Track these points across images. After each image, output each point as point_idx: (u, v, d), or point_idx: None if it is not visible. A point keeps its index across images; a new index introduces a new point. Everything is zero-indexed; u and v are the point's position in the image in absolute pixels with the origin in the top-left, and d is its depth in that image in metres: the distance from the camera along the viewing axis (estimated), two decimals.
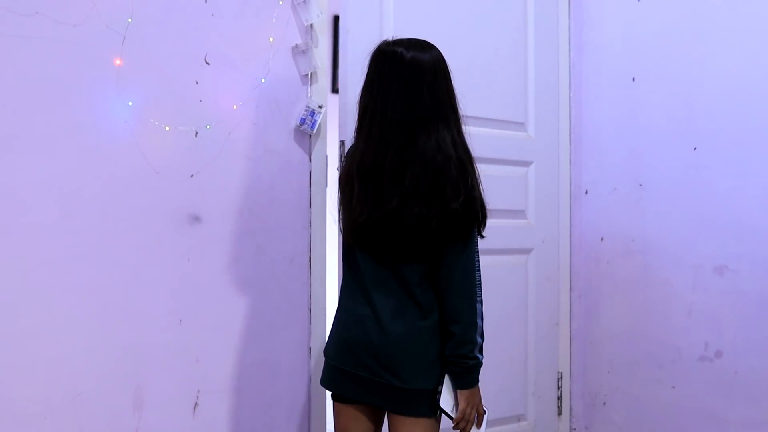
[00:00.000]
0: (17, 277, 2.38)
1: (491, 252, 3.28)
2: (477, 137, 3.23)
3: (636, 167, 3.28)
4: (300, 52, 2.82)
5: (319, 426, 2.86)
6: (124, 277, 2.53)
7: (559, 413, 3.48)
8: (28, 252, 2.40)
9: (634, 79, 3.30)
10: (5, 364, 2.37)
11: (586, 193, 3.48)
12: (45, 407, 2.42)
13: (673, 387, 3.11)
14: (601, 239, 3.40)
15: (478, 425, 2.27)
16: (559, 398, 3.48)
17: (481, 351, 2.21)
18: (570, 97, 3.54)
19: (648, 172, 3.23)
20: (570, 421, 3.50)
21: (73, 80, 2.47)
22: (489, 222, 3.21)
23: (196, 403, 2.65)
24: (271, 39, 2.77)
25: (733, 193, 2.95)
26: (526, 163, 3.42)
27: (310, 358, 2.84)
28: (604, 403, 3.38)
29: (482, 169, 3.19)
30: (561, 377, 3.49)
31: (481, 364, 2.21)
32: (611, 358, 3.36)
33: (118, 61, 2.53)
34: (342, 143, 2.87)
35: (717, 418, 2.98)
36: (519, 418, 3.38)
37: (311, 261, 2.84)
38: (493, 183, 3.22)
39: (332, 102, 2.94)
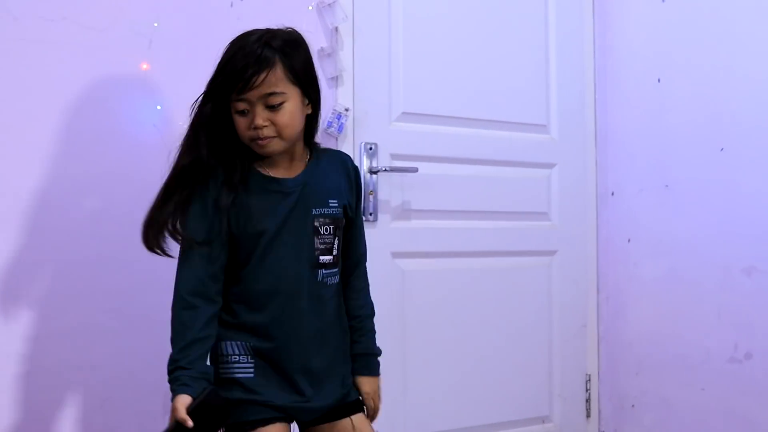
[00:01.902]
0: (48, 281, 2.40)
1: (513, 254, 3.28)
2: (497, 140, 3.25)
3: (662, 168, 3.26)
4: (326, 55, 2.82)
5: None
6: (151, 282, 2.52)
7: (588, 416, 3.46)
8: (59, 255, 2.41)
9: (659, 80, 3.28)
10: (36, 367, 2.38)
11: (613, 194, 3.46)
12: (75, 411, 2.43)
13: (703, 389, 3.09)
14: (628, 241, 3.38)
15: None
16: (588, 401, 3.46)
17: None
18: (595, 99, 3.52)
19: (674, 173, 3.21)
20: (599, 423, 3.48)
21: (100, 84, 2.48)
22: (509, 224, 3.26)
23: None
24: None
25: (761, 193, 2.93)
26: (549, 165, 3.41)
27: None
28: (633, 406, 3.35)
29: (503, 172, 3.23)
30: (589, 379, 3.47)
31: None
32: (640, 360, 3.33)
33: (144, 66, 2.54)
34: (364, 145, 2.89)
35: (747, 420, 2.95)
36: (543, 420, 3.36)
37: None
38: (514, 185, 3.24)
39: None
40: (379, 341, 2.86)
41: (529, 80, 3.36)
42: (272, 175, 1.95)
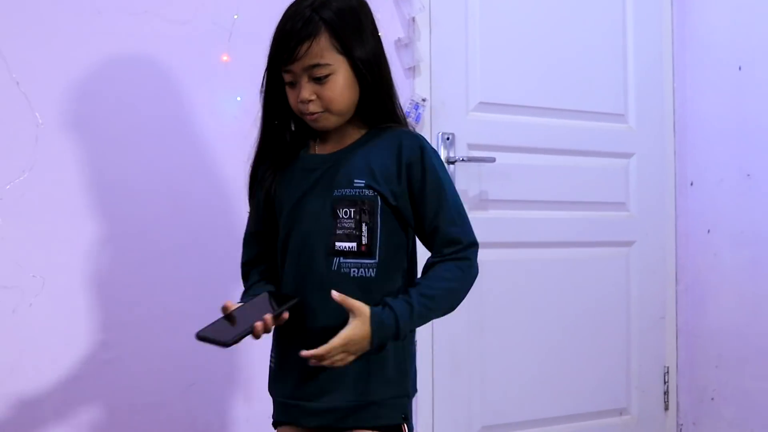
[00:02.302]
0: (131, 271, 2.44)
1: (590, 244, 3.26)
2: (575, 130, 3.23)
3: (743, 157, 3.20)
4: (403, 45, 2.83)
5: (426, 417, 2.87)
6: (232, 270, 2.56)
7: (666, 408, 3.42)
8: (141, 245, 2.46)
9: (740, 68, 3.22)
10: (122, 354, 2.43)
11: (692, 184, 3.41)
12: (160, 397, 2.48)
13: None
14: (708, 231, 3.33)
15: None
16: (666, 393, 3.42)
17: None
18: (673, 87, 3.47)
19: (756, 162, 3.15)
20: (677, 416, 3.44)
21: (182, 77, 2.52)
22: (586, 214, 3.22)
23: None
24: None
25: None
26: (627, 155, 3.37)
27: None
28: (712, 399, 3.31)
29: (580, 162, 3.21)
30: (667, 371, 3.42)
31: None
32: (719, 352, 3.28)
33: (225, 57, 2.57)
34: (441, 135, 2.90)
35: None
36: (621, 412, 3.33)
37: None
38: (591, 175, 3.22)
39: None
40: (456, 332, 2.89)
41: (607, 69, 3.32)
42: (317, 151, 1.84)
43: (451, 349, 2.93)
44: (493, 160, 2.96)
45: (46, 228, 2.34)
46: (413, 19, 2.86)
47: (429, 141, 2.79)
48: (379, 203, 1.75)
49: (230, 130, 2.55)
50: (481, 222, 2.94)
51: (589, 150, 3.25)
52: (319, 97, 1.73)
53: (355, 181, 1.75)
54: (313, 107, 1.74)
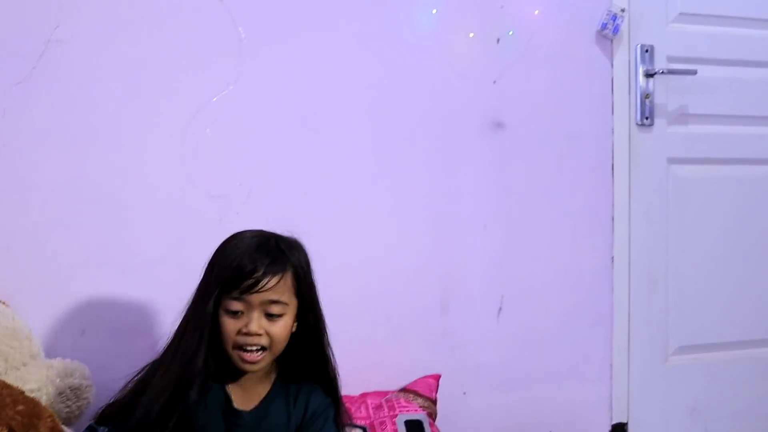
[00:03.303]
0: (329, 179, 2.49)
1: None
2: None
3: None
4: None
5: (622, 331, 2.83)
6: (431, 181, 2.58)
7: None
8: (340, 154, 2.50)
9: None
10: (320, 264, 2.47)
11: None
12: (356, 306, 2.52)
13: None
14: None
15: None
16: None
17: None
18: None
19: None
20: None
21: None
22: None
23: (500, 308, 2.67)
24: None
25: None
26: None
27: (613, 266, 2.78)
28: None
29: None
30: None
31: None
32: None
33: None
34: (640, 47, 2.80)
35: None
36: None
37: (614, 169, 2.77)
38: None
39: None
40: (654, 250, 2.82)
41: None
42: (235, 401, 1.76)
43: (649, 267, 2.85)
44: (694, 72, 2.84)
45: (251, 138, 2.41)
46: None
47: (627, 54, 2.73)
48: None
49: (426, 41, 2.57)
50: (680, 137, 2.86)
51: None
52: (267, 333, 1.68)
53: None
54: (259, 341, 1.68)
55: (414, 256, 2.58)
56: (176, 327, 1.75)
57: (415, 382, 2.50)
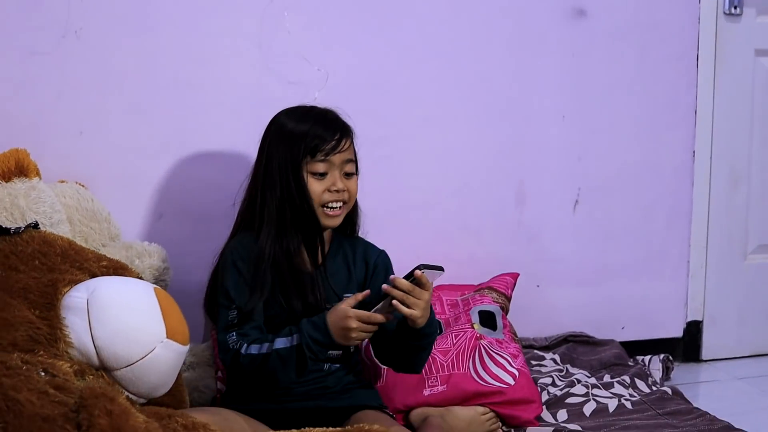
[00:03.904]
0: (409, 68, 2.47)
1: None
2: None
3: None
4: None
5: (700, 228, 2.78)
6: (508, 70, 2.54)
7: None
8: (417, 41, 2.47)
9: None
10: (397, 151, 2.47)
11: None
12: (432, 196, 2.54)
13: None
14: None
15: None
16: None
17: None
18: None
19: None
20: None
21: None
22: None
23: (576, 200, 2.64)
24: None
25: None
26: None
27: (694, 161, 2.72)
28: None
29: None
30: None
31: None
32: None
33: None
34: None
35: None
36: None
37: (698, 60, 2.69)
38: None
39: None
40: (737, 143, 2.74)
41: None
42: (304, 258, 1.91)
43: (731, 163, 2.78)
44: None
45: (329, 23, 2.39)
46: None
47: None
48: None
49: None
50: None
51: None
52: (347, 190, 1.86)
53: (345, 295, 1.83)
54: (342, 197, 1.86)
55: (490, 146, 2.55)
56: (250, 204, 1.89)
57: (492, 279, 2.49)
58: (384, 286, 1.70)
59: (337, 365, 1.89)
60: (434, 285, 1.77)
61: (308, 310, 1.83)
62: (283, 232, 1.85)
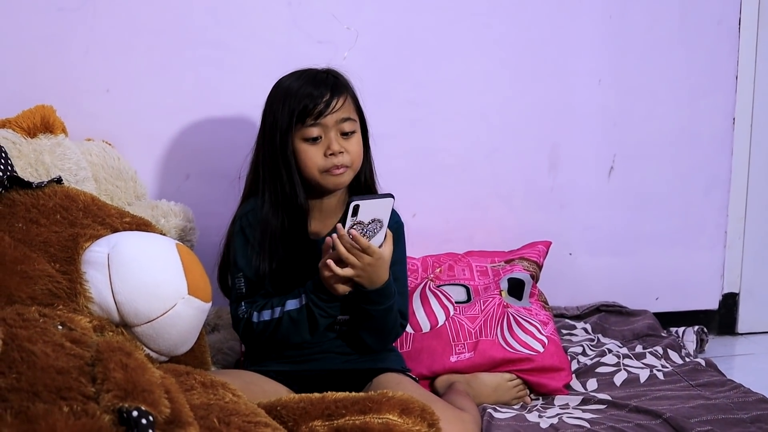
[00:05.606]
0: (441, 28, 2.42)
1: None
2: None
3: None
4: None
5: (739, 197, 2.72)
6: (542, 32, 2.49)
7: None
8: (451, 3, 2.42)
9: None
10: (428, 114, 2.44)
11: None
12: (463, 160, 2.50)
13: None
14: None
15: None
16: None
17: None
18: None
19: None
20: None
21: None
22: None
23: (611, 167, 2.59)
24: None
25: None
26: None
27: (734, 129, 2.65)
28: None
29: None
30: None
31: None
32: None
33: None
34: None
35: None
36: None
37: (740, 24, 2.61)
38: None
39: None
40: None
41: None
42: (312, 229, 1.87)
43: None
44: None
45: None
46: None
47: None
48: None
49: None
50: None
51: None
52: (346, 151, 1.79)
53: None
54: (342, 159, 1.78)
55: (523, 109, 2.50)
56: (254, 171, 1.89)
57: (524, 247, 2.45)
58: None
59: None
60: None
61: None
62: (285, 201, 1.83)
